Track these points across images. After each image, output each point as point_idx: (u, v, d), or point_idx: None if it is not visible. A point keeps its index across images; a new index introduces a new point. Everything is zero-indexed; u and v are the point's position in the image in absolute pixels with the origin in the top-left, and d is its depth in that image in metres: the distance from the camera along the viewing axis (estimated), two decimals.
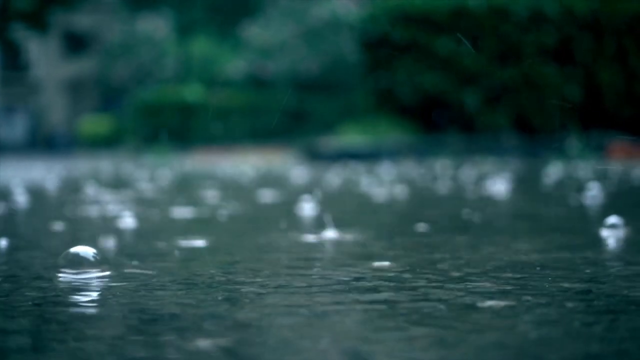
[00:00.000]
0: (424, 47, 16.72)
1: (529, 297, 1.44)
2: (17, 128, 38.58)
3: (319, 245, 2.34)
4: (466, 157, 13.01)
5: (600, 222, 2.52)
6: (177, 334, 1.20)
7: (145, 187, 6.02)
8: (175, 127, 23.44)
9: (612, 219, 2.43)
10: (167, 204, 4.22)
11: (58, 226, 3.00)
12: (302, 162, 13.84)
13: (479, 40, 16.51)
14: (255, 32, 27.71)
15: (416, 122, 16.47)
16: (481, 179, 6.43)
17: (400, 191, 5.04)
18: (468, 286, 1.57)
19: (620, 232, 2.40)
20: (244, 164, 12.62)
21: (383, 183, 6.12)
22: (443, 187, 5.64)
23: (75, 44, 38.54)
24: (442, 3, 16.90)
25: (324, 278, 1.71)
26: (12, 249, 2.33)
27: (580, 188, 4.81)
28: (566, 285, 1.58)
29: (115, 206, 3.96)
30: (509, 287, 1.55)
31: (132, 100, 26.79)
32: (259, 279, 1.70)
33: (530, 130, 16.16)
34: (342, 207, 4.12)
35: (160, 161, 15.14)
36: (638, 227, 2.58)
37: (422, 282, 1.62)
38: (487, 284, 1.59)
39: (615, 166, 9.38)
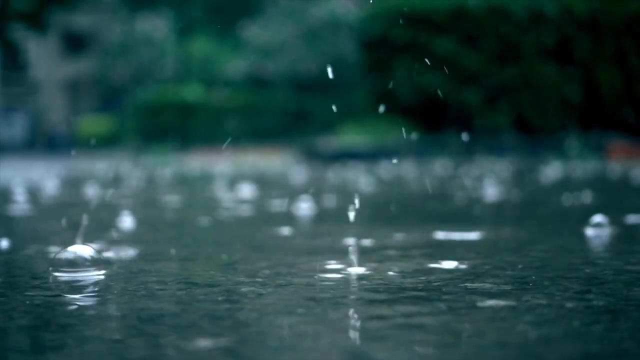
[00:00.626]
0: (424, 47, 16.72)
1: (529, 297, 1.44)
2: (16, 128, 38.56)
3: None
4: (466, 157, 13.01)
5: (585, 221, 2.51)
6: (177, 334, 1.20)
7: (145, 187, 6.02)
8: (175, 127, 23.44)
9: (597, 218, 2.43)
10: (167, 204, 4.22)
11: (58, 226, 3.00)
12: (301, 162, 13.84)
13: (478, 40, 16.52)
14: (255, 32, 27.71)
15: (416, 122, 16.47)
16: (479, 179, 6.43)
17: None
18: (468, 286, 1.57)
19: (606, 231, 2.40)
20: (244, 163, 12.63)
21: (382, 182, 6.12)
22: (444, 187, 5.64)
23: (75, 44, 38.53)
24: (442, 3, 16.90)
25: (323, 277, 1.71)
26: (12, 249, 2.33)
27: (574, 188, 4.81)
28: (566, 285, 1.58)
29: (115, 206, 3.95)
30: (508, 287, 1.55)
31: (131, 100, 26.79)
32: (259, 279, 1.70)
33: (530, 130, 16.16)
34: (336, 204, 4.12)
35: (159, 161, 15.14)
36: (631, 226, 2.58)
37: (422, 282, 1.62)
38: (487, 284, 1.59)
39: (614, 166, 9.38)
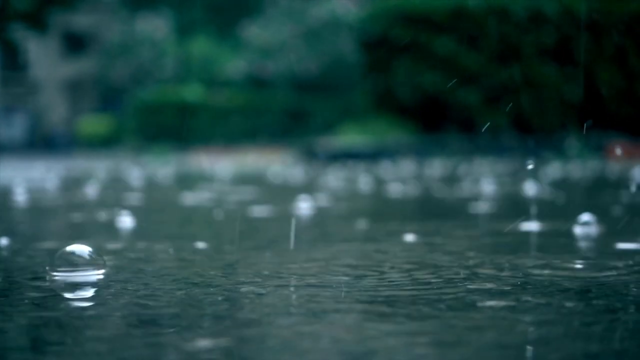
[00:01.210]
0: (424, 47, 16.73)
1: (529, 297, 1.44)
2: (16, 128, 38.55)
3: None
4: (466, 157, 13.01)
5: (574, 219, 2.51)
6: (177, 334, 1.20)
7: (145, 186, 6.02)
8: (175, 127, 23.43)
9: (585, 217, 2.42)
10: (167, 204, 4.22)
11: (57, 226, 3.00)
12: (301, 162, 13.84)
13: (478, 40, 16.53)
14: (255, 32, 27.70)
15: (416, 122, 16.47)
16: (477, 179, 6.43)
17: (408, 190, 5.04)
18: (468, 286, 1.57)
19: (593, 229, 2.40)
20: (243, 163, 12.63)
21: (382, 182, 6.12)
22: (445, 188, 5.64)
23: (75, 44, 38.52)
24: (442, 3, 16.91)
25: (324, 277, 1.71)
26: (11, 248, 2.32)
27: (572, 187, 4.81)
28: (566, 285, 1.58)
29: (115, 206, 3.95)
30: (508, 287, 1.55)
31: (131, 100, 26.78)
32: (258, 279, 1.69)
33: (530, 130, 16.16)
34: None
35: (159, 161, 15.13)
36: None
37: (422, 282, 1.62)
38: (487, 284, 1.59)
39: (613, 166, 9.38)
